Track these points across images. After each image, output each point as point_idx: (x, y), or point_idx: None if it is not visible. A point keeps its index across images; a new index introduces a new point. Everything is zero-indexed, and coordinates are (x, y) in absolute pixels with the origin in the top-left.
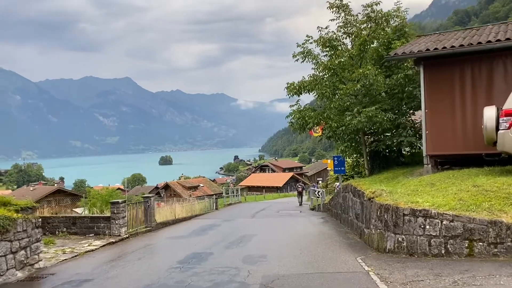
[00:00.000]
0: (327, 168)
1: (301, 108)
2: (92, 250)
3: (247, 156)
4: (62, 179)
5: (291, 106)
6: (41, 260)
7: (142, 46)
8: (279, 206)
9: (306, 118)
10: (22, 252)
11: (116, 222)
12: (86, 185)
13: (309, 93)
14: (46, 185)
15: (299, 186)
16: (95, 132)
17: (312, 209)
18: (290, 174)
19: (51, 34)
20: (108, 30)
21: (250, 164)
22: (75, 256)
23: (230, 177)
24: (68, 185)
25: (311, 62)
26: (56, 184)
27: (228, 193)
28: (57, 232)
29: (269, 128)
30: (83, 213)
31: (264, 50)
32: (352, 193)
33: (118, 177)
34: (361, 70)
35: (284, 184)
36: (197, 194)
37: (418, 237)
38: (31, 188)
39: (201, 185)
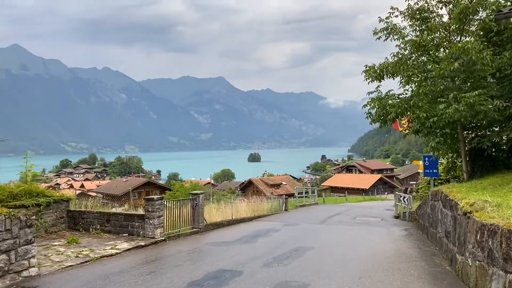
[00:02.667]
0: (418, 171)
1: (382, 96)
2: (111, 255)
3: (335, 156)
4: (159, 172)
5: (369, 93)
6: (33, 267)
7: (235, 46)
8: (358, 211)
9: (388, 107)
10: (3, 256)
11: (150, 222)
12: (179, 178)
13: (392, 78)
14: (145, 177)
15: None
16: (190, 128)
17: (396, 217)
18: (378, 176)
19: (153, 37)
20: (204, 32)
21: (338, 164)
22: (86, 262)
23: (316, 176)
24: (164, 177)
25: (396, 40)
26: (153, 177)
27: (302, 193)
28: (90, 229)
29: (360, 128)
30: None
31: (356, 47)
32: (442, 203)
33: (209, 172)
34: (459, 45)
35: (371, 186)
36: (279, 192)
37: None
38: (124, 180)
39: (284, 183)
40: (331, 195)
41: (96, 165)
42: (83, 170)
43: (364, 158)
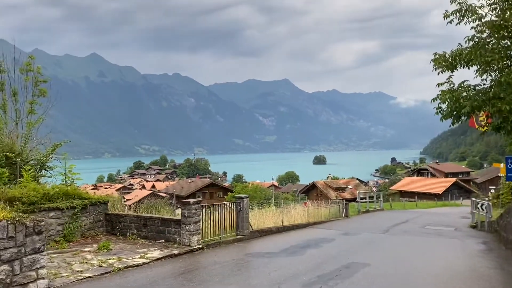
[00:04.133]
0: (499, 174)
1: (454, 88)
2: (137, 265)
3: (406, 158)
4: (225, 173)
5: (438, 84)
6: (42, 278)
7: (301, 48)
8: (429, 219)
9: (461, 101)
10: (4, 267)
11: (187, 228)
12: (243, 180)
13: (467, 67)
14: (211, 178)
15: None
16: (255, 131)
17: (473, 227)
18: (453, 180)
19: (221, 42)
20: (271, 35)
21: (409, 167)
22: (107, 273)
23: (385, 180)
24: (229, 179)
25: (470, 23)
26: (219, 178)
27: (365, 198)
28: (127, 234)
29: (433, 129)
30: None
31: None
32: None
33: (274, 174)
34: None
35: (444, 191)
36: (344, 196)
37: None
38: (189, 181)
39: (350, 186)
40: (400, 200)
41: (167, 166)
42: (155, 171)
43: (438, 161)
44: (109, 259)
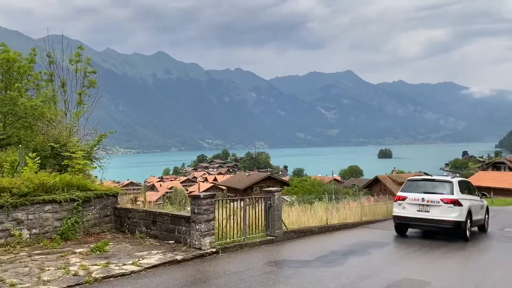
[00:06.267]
0: None
1: None
2: (123, 275)
3: (480, 152)
4: (285, 167)
5: None
6: None
7: (365, 39)
8: (507, 219)
9: None
10: None
11: (197, 227)
12: (304, 174)
13: None
14: (271, 172)
15: None
16: (317, 124)
17: None
18: None
19: (284, 35)
20: (334, 26)
21: (483, 161)
22: (76, 285)
23: (456, 174)
24: (290, 173)
25: None
26: (280, 172)
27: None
28: (136, 232)
29: (511, 120)
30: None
31: (507, 30)
32: None
33: (336, 168)
34: None
35: None
36: None
37: None
38: (247, 174)
39: None
40: None
41: (229, 160)
42: (217, 165)
43: None
44: (94, 265)
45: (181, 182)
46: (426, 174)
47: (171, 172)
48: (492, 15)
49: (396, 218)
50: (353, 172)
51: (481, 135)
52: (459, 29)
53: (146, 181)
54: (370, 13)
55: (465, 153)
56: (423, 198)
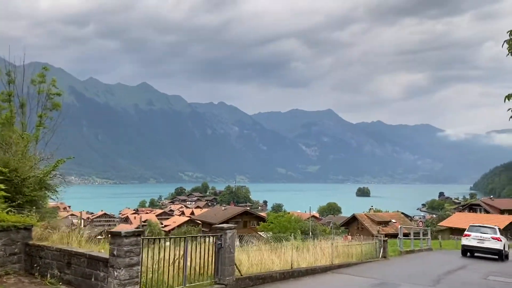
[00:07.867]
0: None
1: None
2: None
3: (455, 193)
4: (265, 202)
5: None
6: None
7: (346, 79)
8: (491, 266)
9: None
10: None
11: (115, 273)
12: (283, 209)
13: None
14: (251, 207)
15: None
16: (298, 160)
17: None
18: (510, 217)
19: (268, 74)
20: (316, 66)
21: (459, 203)
22: None
23: (433, 215)
24: (269, 208)
25: None
26: (260, 207)
27: (409, 234)
28: (47, 275)
29: (484, 163)
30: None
31: (481, 77)
32: None
33: (315, 204)
34: None
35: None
36: (387, 231)
37: None
38: (223, 208)
39: (393, 221)
40: (451, 238)
41: (208, 193)
42: (195, 198)
43: (492, 196)
44: None
45: (156, 215)
46: (404, 214)
47: (147, 205)
48: (468, 62)
49: (465, 246)
50: (332, 209)
51: (456, 176)
52: (437, 74)
53: (121, 213)
54: (352, 55)
55: (441, 194)
56: (481, 236)
